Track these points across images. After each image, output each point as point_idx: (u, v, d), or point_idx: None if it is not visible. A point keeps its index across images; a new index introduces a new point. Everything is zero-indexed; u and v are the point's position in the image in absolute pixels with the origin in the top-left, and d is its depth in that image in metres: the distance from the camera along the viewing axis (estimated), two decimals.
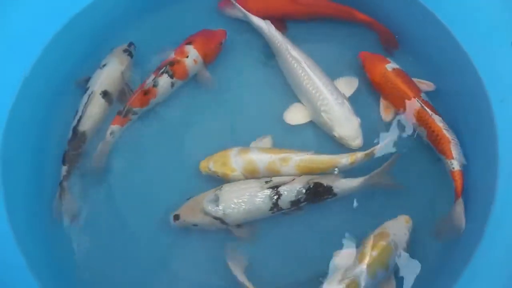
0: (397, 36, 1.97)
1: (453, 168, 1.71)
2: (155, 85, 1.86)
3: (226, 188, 1.65)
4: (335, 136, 1.80)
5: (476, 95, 1.71)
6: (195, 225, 1.65)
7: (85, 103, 1.83)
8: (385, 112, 1.89)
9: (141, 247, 1.76)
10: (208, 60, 1.95)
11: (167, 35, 2.01)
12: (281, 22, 2.01)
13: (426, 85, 1.89)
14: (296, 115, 1.88)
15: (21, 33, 1.79)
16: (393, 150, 1.77)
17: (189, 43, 1.93)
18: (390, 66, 1.88)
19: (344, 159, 1.69)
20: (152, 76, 1.88)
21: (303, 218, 1.73)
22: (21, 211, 1.70)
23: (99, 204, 1.82)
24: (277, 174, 1.72)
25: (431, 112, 1.77)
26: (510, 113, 1.64)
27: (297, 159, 1.70)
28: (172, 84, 1.89)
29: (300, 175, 1.69)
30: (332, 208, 1.74)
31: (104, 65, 1.91)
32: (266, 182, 1.65)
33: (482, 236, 1.54)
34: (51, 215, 1.75)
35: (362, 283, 1.49)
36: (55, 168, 1.79)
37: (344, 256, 1.61)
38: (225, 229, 1.67)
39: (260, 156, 1.71)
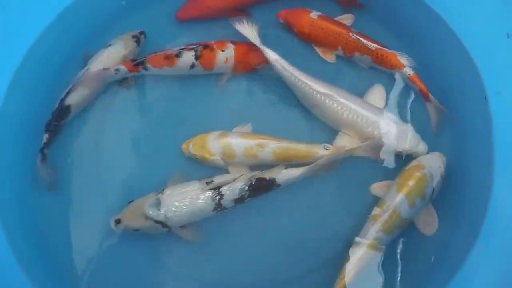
0: None
1: (409, 74, 1.82)
2: (178, 55, 1.80)
3: (168, 191, 1.63)
4: (400, 152, 1.74)
5: (472, 88, 1.71)
6: (136, 230, 1.62)
7: (78, 78, 1.79)
8: (326, 56, 1.92)
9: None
10: (236, 69, 1.88)
11: (164, 28, 1.97)
12: (242, 10, 1.98)
13: (347, 20, 1.94)
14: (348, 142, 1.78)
15: (12, 23, 1.77)
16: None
17: (233, 42, 1.87)
18: (314, 14, 1.91)
19: (322, 151, 1.69)
20: (181, 47, 1.83)
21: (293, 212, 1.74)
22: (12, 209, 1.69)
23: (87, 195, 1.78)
24: (254, 159, 1.71)
25: (369, 41, 1.85)
26: (507, 106, 1.64)
27: (273, 146, 1.70)
28: (192, 66, 1.83)
29: (277, 163, 1.69)
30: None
31: (108, 45, 1.87)
32: (207, 183, 1.63)
33: (480, 231, 1.54)
34: (42, 210, 1.74)
35: (403, 212, 1.53)
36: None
37: (382, 186, 1.67)
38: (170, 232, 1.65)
39: (237, 140, 1.71)
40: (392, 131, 1.74)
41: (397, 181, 1.61)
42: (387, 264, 1.59)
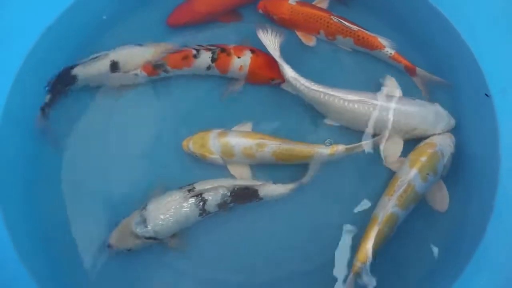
0: None
1: (390, 53, 1.84)
2: (195, 56, 1.77)
3: (151, 206, 1.62)
4: (440, 134, 1.72)
5: (476, 87, 1.72)
6: (129, 250, 1.63)
7: (95, 58, 1.79)
8: (307, 41, 1.91)
9: None
10: (250, 79, 1.83)
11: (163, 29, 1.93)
12: (233, 12, 1.97)
13: (323, 3, 1.94)
14: (394, 150, 1.74)
15: (13, 25, 1.75)
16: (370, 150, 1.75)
17: (252, 50, 1.81)
18: (292, 0, 1.90)
19: (324, 150, 1.68)
20: (201, 46, 1.80)
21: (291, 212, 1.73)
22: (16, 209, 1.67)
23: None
24: (253, 159, 1.71)
25: (350, 24, 1.86)
26: (511, 104, 1.65)
27: (273, 146, 1.68)
28: (208, 67, 1.80)
29: (277, 163, 1.71)
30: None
31: (139, 44, 1.84)
32: (189, 191, 1.63)
33: (485, 230, 1.56)
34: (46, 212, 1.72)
35: (417, 186, 1.56)
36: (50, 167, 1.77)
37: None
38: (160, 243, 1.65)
39: (237, 140, 1.70)
40: (430, 117, 1.73)
41: (409, 158, 1.64)
42: (405, 242, 1.62)
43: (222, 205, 1.64)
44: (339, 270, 1.60)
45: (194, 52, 1.78)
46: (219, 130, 1.73)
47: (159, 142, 1.81)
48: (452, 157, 1.65)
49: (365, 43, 1.86)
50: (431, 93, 1.83)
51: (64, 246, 1.69)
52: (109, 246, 1.62)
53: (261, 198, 1.66)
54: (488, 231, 1.54)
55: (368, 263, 1.52)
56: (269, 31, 1.80)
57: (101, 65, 1.79)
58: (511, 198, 1.55)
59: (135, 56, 1.80)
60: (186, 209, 1.61)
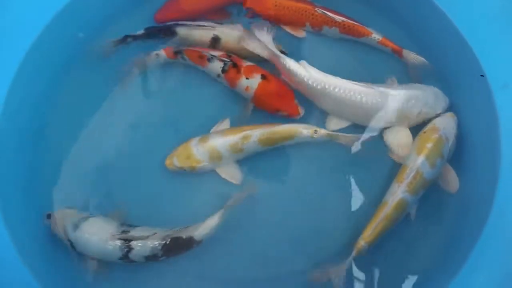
0: None
1: (378, 38, 1.85)
2: (209, 59, 1.76)
3: (91, 219, 1.61)
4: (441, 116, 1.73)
5: (476, 82, 1.71)
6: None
7: (200, 25, 1.85)
8: (296, 32, 1.90)
9: None
10: (256, 102, 1.76)
11: None
12: (221, 10, 1.95)
13: None
14: (406, 141, 1.72)
15: (17, 16, 1.73)
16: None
17: (263, 76, 1.74)
18: None
19: (305, 131, 1.68)
20: (218, 53, 1.78)
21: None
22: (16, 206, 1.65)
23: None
24: (241, 153, 1.70)
25: (335, 14, 1.86)
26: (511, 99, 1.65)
27: (257, 134, 1.68)
28: (218, 75, 1.78)
29: (265, 149, 1.70)
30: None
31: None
32: (124, 231, 1.59)
33: (483, 228, 1.56)
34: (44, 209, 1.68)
35: (425, 173, 1.58)
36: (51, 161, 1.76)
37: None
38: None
39: (221, 140, 1.68)
40: (430, 98, 1.74)
41: (416, 145, 1.65)
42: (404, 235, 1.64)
43: (151, 258, 1.57)
44: None
45: (208, 56, 1.77)
46: (198, 138, 1.70)
47: (158, 131, 1.81)
48: (456, 139, 1.67)
49: (352, 31, 1.86)
50: None
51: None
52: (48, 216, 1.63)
53: (200, 241, 1.59)
54: (489, 222, 1.55)
55: (371, 245, 1.54)
56: (265, 28, 1.78)
57: (204, 34, 1.83)
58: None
59: (233, 35, 1.82)
60: (110, 246, 1.56)
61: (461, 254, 1.56)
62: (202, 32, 1.83)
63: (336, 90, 1.71)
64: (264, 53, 1.76)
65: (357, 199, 1.71)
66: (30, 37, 1.75)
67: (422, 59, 1.82)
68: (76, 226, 1.58)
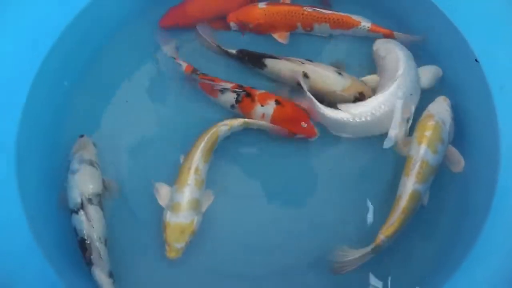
0: None
1: (368, 27, 1.89)
2: (222, 91, 1.78)
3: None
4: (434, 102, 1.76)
5: (475, 83, 1.74)
6: None
7: (290, 59, 1.81)
8: (281, 38, 1.93)
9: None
10: (272, 130, 1.76)
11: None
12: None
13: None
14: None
15: (33, 25, 1.78)
16: None
17: (277, 101, 1.74)
18: (261, 4, 1.92)
19: (224, 127, 1.72)
20: (229, 85, 1.78)
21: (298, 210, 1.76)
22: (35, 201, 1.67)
23: None
24: (203, 180, 1.68)
25: (322, 10, 1.89)
26: (510, 100, 1.67)
27: (198, 159, 1.67)
28: (233, 106, 1.78)
29: (211, 158, 1.72)
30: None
31: (339, 72, 1.80)
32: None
33: (483, 227, 1.57)
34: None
35: (430, 160, 1.63)
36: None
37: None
38: None
39: (184, 192, 1.63)
40: (426, 73, 1.80)
41: (415, 135, 1.69)
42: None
43: None
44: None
45: (220, 88, 1.79)
46: (169, 212, 1.62)
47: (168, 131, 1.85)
48: (453, 120, 1.71)
49: (341, 24, 1.89)
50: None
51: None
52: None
53: None
54: (492, 210, 1.58)
55: (390, 239, 1.57)
56: None
57: (294, 69, 1.79)
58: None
59: (327, 80, 1.77)
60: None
61: (462, 251, 1.59)
62: (291, 66, 1.79)
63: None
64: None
65: (357, 194, 1.74)
66: (51, 38, 1.82)
67: (414, 36, 1.86)
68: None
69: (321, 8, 1.89)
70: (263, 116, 1.74)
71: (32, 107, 1.76)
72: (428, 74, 1.82)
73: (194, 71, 1.84)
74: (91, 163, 1.69)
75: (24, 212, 1.61)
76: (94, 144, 1.77)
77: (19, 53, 1.76)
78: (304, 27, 1.91)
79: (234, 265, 1.67)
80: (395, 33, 1.88)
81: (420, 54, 1.84)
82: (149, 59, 1.94)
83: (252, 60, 1.85)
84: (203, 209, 1.67)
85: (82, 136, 1.77)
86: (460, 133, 1.73)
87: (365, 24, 1.89)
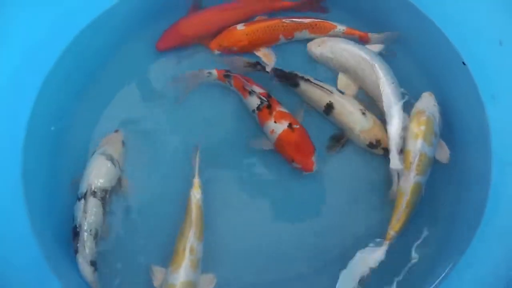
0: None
1: (343, 30, 1.96)
2: (250, 93, 1.80)
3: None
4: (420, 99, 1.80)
5: (467, 92, 1.78)
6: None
7: (322, 85, 1.84)
8: (268, 60, 1.96)
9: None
10: (277, 147, 1.76)
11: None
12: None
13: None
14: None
15: (41, 34, 1.80)
16: None
17: (290, 125, 1.74)
18: (240, 26, 1.95)
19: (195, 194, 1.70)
20: (259, 90, 1.81)
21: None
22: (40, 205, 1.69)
23: None
24: (198, 261, 1.63)
25: (301, 18, 1.95)
26: (502, 109, 1.70)
27: (192, 238, 1.62)
28: (252, 111, 1.81)
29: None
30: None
31: (363, 113, 1.80)
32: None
33: (478, 227, 1.61)
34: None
35: (427, 152, 1.71)
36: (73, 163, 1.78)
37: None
38: None
39: (183, 274, 1.57)
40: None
41: (410, 131, 1.75)
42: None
43: None
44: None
45: (249, 89, 1.80)
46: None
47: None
48: (441, 114, 1.79)
49: (320, 29, 1.96)
50: None
51: None
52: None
53: None
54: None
55: (399, 232, 1.63)
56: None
57: (322, 97, 1.81)
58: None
59: (349, 117, 1.79)
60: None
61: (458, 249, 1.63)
62: (321, 94, 1.82)
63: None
64: None
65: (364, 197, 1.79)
66: (61, 44, 1.84)
67: (387, 33, 1.93)
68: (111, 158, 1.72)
69: (298, 17, 1.94)
70: (272, 131, 1.76)
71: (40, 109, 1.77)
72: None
73: (227, 72, 1.86)
74: (111, 159, 1.72)
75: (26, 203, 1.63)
76: (123, 143, 1.80)
77: (25, 62, 1.76)
78: (286, 37, 1.96)
79: (241, 274, 1.69)
80: (369, 34, 1.94)
81: (405, 57, 1.93)
82: (149, 74, 1.97)
83: (288, 79, 1.88)
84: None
85: (116, 131, 1.82)
86: (449, 128, 1.80)
87: (341, 27, 1.95)
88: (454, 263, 1.58)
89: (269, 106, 1.77)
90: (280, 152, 1.77)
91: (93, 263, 1.60)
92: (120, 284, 1.64)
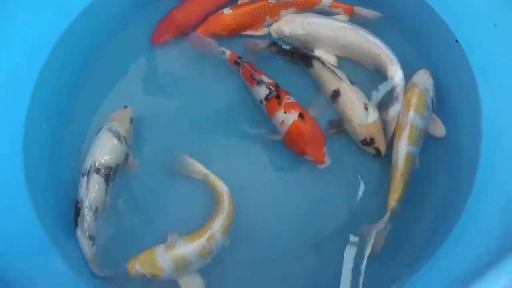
0: None
1: (329, 2, 1.95)
2: (258, 83, 1.77)
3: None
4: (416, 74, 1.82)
5: (461, 73, 1.78)
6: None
7: (333, 69, 1.82)
8: (258, 30, 1.97)
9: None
10: (286, 140, 1.73)
11: None
12: None
13: None
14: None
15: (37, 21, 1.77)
16: None
17: (301, 115, 1.70)
18: (226, 10, 1.94)
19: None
20: (268, 80, 1.77)
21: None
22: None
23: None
24: (211, 254, 1.61)
25: None
26: (495, 90, 1.69)
27: (218, 226, 1.60)
28: (261, 101, 1.77)
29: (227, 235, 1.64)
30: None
31: (366, 106, 1.77)
32: None
33: (465, 206, 1.62)
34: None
35: (418, 124, 1.73)
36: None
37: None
38: None
39: (188, 248, 1.57)
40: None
41: (404, 104, 1.79)
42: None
43: None
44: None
45: (258, 79, 1.77)
46: (165, 244, 1.60)
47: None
48: (435, 89, 1.81)
49: (305, 4, 1.95)
50: None
51: None
52: None
53: None
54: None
55: (400, 202, 1.65)
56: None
57: (332, 82, 1.79)
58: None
59: (352, 108, 1.77)
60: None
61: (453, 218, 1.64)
62: (329, 76, 1.79)
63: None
64: None
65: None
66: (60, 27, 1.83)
67: (375, 12, 1.92)
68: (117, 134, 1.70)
69: None
70: (282, 122, 1.71)
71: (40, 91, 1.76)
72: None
73: (239, 57, 1.84)
74: (118, 136, 1.70)
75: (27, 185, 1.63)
76: (131, 120, 1.77)
77: (24, 48, 1.75)
78: (272, 17, 1.96)
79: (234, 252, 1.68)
80: (355, 8, 1.94)
81: (399, 35, 1.94)
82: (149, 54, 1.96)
83: (303, 58, 1.86)
84: (181, 282, 1.60)
85: (126, 107, 1.78)
86: (442, 105, 1.82)
87: (326, 1, 1.94)
88: (444, 238, 1.60)
89: (278, 97, 1.73)
90: (289, 144, 1.73)
91: (91, 238, 1.61)
92: (118, 260, 1.63)
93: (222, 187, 1.66)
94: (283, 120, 1.70)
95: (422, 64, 1.85)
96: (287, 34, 1.90)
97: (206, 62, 1.92)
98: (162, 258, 1.56)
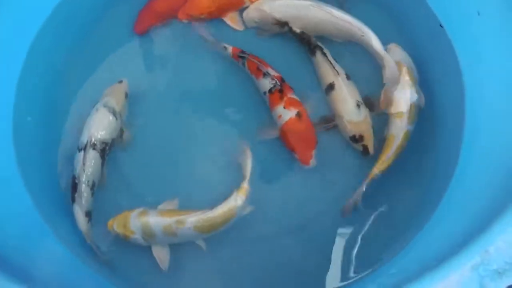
0: None
1: None
2: (264, 75, 1.77)
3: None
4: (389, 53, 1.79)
5: (446, 59, 1.77)
6: None
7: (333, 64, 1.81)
8: (236, 26, 1.94)
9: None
10: (281, 135, 1.75)
11: None
12: None
13: None
14: None
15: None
16: None
17: (299, 113, 1.72)
18: None
19: (239, 201, 1.63)
20: (273, 73, 1.77)
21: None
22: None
23: None
24: (174, 237, 1.63)
25: None
26: (479, 76, 1.68)
27: (193, 220, 1.60)
28: (265, 93, 1.77)
29: (202, 236, 1.65)
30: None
31: (358, 105, 1.76)
32: None
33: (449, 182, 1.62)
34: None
35: (415, 101, 1.74)
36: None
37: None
38: None
39: (156, 219, 1.61)
40: None
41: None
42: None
43: None
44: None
45: (264, 71, 1.78)
46: (141, 209, 1.65)
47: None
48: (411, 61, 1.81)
49: None
50: None
51: None
52: None
53: None
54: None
55: (383, 172, 1.66)
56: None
57: (328, 75, 1.79)
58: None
59: (344, 103, 1.76)
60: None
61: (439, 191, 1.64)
62: (327, 71, 1.79)
63: None
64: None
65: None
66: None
67: None
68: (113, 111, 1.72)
69: None
70: (279, 117, 1.73)
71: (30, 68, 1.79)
72: None
73: (242, 51, 1.83)
74: (113, 112, 1.72)
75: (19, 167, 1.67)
76: (126, 94, 1.79)
77: (7, 36, 1.76)
78: (251, 0, 1.92)
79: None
80: None
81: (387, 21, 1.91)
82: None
83: (310, 44, 1.85)
84: (154, 249, 1.65)
85: (121, 81, 1.80)
86: (427, 89, 1.81)
87: None
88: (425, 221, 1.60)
89: (281, 91, 1.74)
90: (283, 140, 1.74)
91: (88, 214, 1.64)
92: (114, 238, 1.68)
93: (240, 201, 1.64)
94: (281, 115, 1.72)
95: (406, 48, 1.84)
96: (257, 20, 1.88)
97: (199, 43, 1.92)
98: (133, 222, 1.62)
